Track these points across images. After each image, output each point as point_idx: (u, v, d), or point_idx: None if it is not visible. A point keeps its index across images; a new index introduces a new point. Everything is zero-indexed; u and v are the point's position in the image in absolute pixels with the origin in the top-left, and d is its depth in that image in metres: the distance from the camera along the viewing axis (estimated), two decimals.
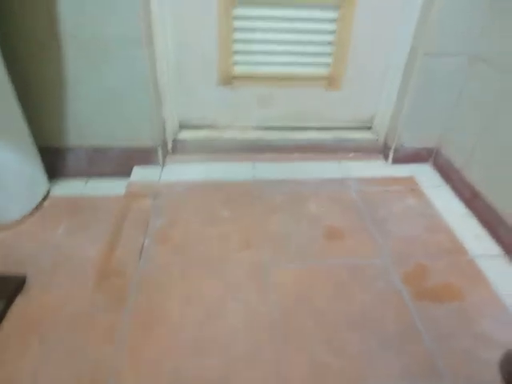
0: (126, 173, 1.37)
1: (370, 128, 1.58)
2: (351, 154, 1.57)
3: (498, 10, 1.15)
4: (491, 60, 1.19)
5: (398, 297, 0.99)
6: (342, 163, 1.52)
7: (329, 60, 1.40)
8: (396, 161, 1.50)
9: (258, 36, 1.32)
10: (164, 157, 1.43)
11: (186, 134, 1.50)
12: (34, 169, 1.20)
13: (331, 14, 1.30)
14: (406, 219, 1.24)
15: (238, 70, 1.39)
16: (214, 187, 1.35)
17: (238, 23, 1.29)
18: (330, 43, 1.36)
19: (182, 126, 1.51)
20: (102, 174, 1.37)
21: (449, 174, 1.40)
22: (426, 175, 1.46)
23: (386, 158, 1.53)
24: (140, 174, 1.37)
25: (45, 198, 1.26)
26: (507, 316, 0.95)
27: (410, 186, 1.40)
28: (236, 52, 1.35)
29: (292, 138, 1.53)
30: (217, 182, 1.38)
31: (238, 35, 1.31)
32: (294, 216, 1.24)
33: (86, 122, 1.28)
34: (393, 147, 1.47)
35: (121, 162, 1.36)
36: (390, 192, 1.37)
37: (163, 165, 1.42)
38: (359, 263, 1.08)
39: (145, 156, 1.37)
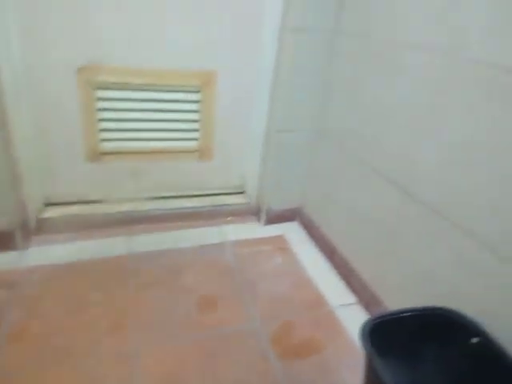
0: None
1: (242, 193, 1.71)
2: (229, 218, 1.65)
3: (326, 98, 1.41)
4: (330, 135, 1.42)
5: (266, 359, 1.04)
6: (220, 228, 1.59)
7: (197, 135, 1.50)
8: (268, 222, 1.63)
9: (125, 115, 1.37)
10: (25, 239, 1.32)
11: (53, 212, 1.42)
12: None
13: (194, 96, 1.42)
14: (275, 278, 1.34)
15: (107, 146, 1.40)
16: (84, 267, 1.28)
17: (101, 104, 1.32)
18: (196, 121, 1.47)
19: (49, 204, 1.43)
20: None
21: (312, 232, 1.57)
22: (294, 234, 1.61)
23: (258, 220, 1.65)
24: None
25: None
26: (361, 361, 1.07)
27: (280, 245, 1.52)
28: (103, 130, 1.37)
29: (170, 207, 1.57)
30: (88, 261, 1.31)
31: (103, 114, 1.34)
32: (170, 290, 1.24)
33: None
34: (263, 210, 1.60)
35: None
36: (261, 252, 1.47)
37: (25, 248, 1.31)
38: (230, 331, 1.11)
39: (0, 240, 1.25)
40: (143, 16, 1.26)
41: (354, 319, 1.20)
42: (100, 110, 1.33)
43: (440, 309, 0.85)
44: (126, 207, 1.51)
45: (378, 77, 1.13)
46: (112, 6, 1.22)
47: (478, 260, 0.84)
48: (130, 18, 1.25)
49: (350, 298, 1.30)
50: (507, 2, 0.74)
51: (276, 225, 1.64)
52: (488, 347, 0.77)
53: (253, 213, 1.68)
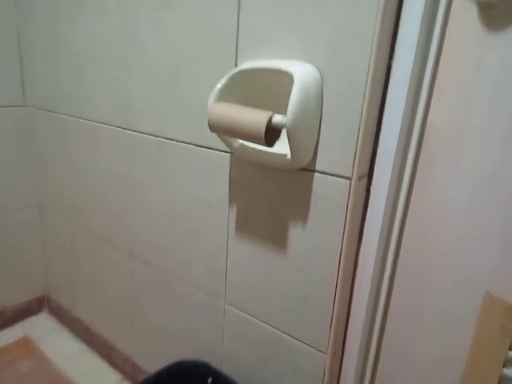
0: None
1: None
2: None
3: (42, 172, 1.29)
4: (54, 210, 1.31)
5: None
6: None
7: None
8: (4, 325, 1.34)
9: None
10: None
11: None
12: None
13: None
14: None
15: None
16: None
17: None
18: None
19: None
20: None
21: (63, 318, 1.40)
22: (41, 328, 1.38)
23: None
24: None
25: None
26: None
27: (24, 349, 1.27)
28: None
29: None
30: None
31: None
32: None
33: None
34: None
35: None
36: (3, 363, 1.19)
37: None
38: None
39: None
40: None
41: None
42: None
43: (180, 362, 0.90)
44: None
45: (82, 150, 1.12)
46: None
47: (201, 304, 0.92)
48: None
49: (114, 376, 1.20)
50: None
51: (17, 324, 1.38)
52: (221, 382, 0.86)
53: None
